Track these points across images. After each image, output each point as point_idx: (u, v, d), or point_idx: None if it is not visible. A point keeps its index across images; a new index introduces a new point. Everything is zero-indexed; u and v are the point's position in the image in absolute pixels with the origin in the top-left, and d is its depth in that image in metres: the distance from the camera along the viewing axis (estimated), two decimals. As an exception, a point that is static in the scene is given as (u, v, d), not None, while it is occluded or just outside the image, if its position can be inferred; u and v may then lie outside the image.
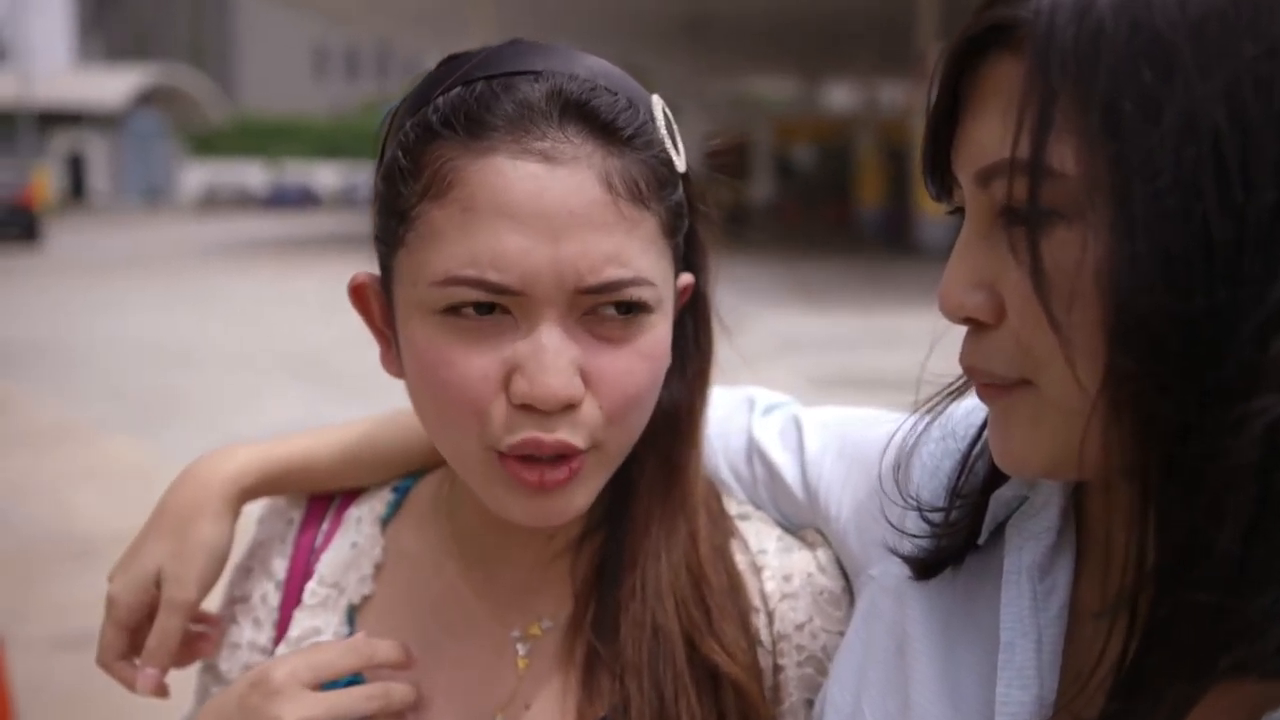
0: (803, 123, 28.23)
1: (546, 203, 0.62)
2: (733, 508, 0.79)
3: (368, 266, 0.72)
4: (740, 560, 0.76)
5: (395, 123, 0.69)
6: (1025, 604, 0.58)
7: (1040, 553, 0.59)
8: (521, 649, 0.74)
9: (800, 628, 0.74)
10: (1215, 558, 0.46)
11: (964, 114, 0.54)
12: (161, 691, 0.77)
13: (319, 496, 0.84)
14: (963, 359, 0.57)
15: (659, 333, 0.67)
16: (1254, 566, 0.46)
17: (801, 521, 0.79)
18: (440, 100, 0.65)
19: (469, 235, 0.62)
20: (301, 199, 39.92)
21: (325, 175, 43.47)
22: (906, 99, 19.05)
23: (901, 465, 0.69)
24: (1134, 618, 0.51)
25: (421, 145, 0.65)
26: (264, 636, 0.80)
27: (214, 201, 41.63)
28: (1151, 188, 0.46)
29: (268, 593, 0.81)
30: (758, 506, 0.81)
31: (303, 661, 0.70)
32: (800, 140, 27.58)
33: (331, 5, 22.62)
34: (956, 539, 0.63)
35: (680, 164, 0.69)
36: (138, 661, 0.77)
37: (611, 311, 0.64)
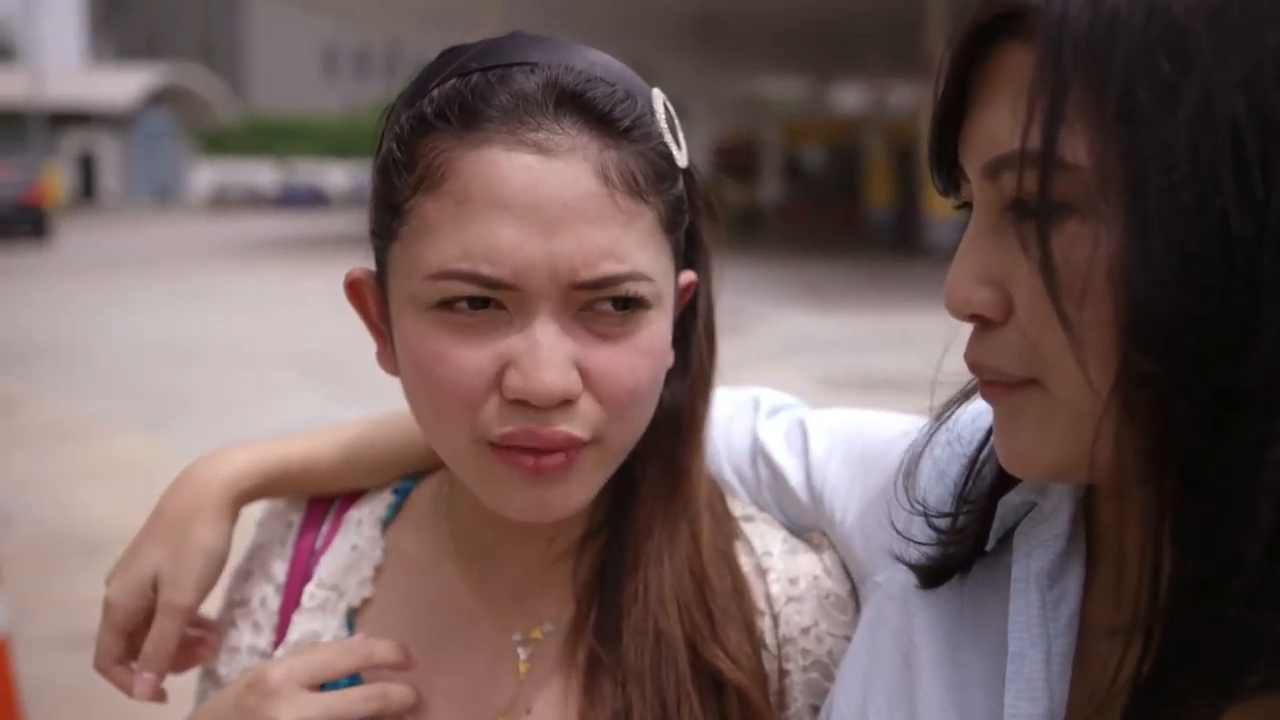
0: (812, 124, 28.19)
1: (541, 195, 0.61)
2: (737, 509, 0.78)
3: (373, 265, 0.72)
4: (745, 563, 0.75)
5: (392, 116, 0.68)
6: (1034, 613, 0.57)
7: (1049, 560, 0.58)
8: (523, 653, 0.73)
9: (806, 632, 0.73)
10: (1242, 571, 0.45)
11: (972, 104, 0.53)
12: (159, 696, 0.76)
13: (319, 499, 0.83)
14: (968, 355, 0.55)
15: (658, 329, 0.66)
16: None
17: (806, 525, 0.78)
18: (436, 92, 0.64)
19: (462, 228, 0.61)
20: (311, 199, 39.99)
21: (335, 175, 43.56)
22: (916, 100, 19.02)
23: (910, 471, 0.68)
24: (1151, 632, 0.49)
25: (416, 137, 0.64)
26: (263, 640, 0.79)
27: (224, 201, 41.75)
28: (1167, 181, 0.45)
29: (267, 596, 0.80)
30: (762, 509, 0.79)
31: (300, 662, 0.69)
32: (809, 141, 27.54)
33: (342, 5, 22.67)
34: (964, 546, 0.62)
35: (681, 158, 0.68)
36: (135, 666, 0.77)
37: (608, 307, 0.63)
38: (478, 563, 0.76)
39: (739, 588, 0.73)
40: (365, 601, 0.77)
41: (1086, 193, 0.47)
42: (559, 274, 0.61)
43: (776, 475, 0.78)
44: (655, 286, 0.65)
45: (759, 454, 0.80)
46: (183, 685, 0.81)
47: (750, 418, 0.82)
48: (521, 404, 0.63)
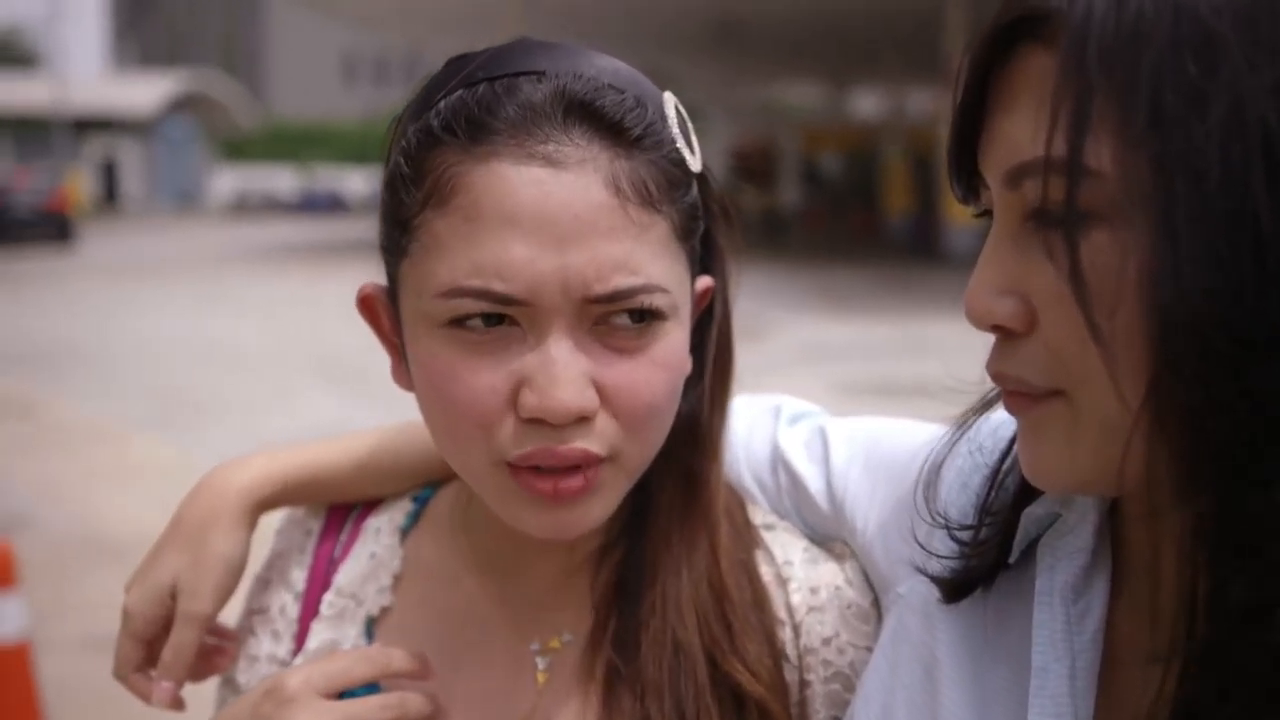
0: (830, 130, 28.12)
1: (551, 209, 0.60)
2: (758, 517, 0.77)
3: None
4: (765, 572, 0.74)
5: (399, 129, 0.67)
6: (1058, 627, 0.55)
7: (1074, 573, 0.56)
8: (541, 663, 0.73)
9: (827, 642, 0.72)
10: None
11: (992, 110, 0.52)
12: (177, 704, 0.76)
13: (338, 506, 0.82)
14: (991, 366, 0.54)
15: (674, 340, 0.65)
16: None
17: (827, 533, 0.77)
18: (442, 104, 0.64)
19: (472, 245, 0.60)
20: (330, 204, 40.19)
21: (354, 181, 43.77)
22: (935, 106, 18.94)
23: (930, 482, 0.67)
24: (1189, 659, 0.48)
25: (423, 151, 0.63)
26: (283, 649, 0.79)
27: (244, 207, 42.02)
28: (1197, 187, 0.44)
29: (286, 604, 0.80)
30: (783, 517, 0.79)
31: (317, 670, 0.69)
32: (827, 147, 27.47)
33: (361, 11, 22.80)
34: (986, 558, 0.61)
35: (694, 163, 0.67)
36: (154, 674, 0.76)
37: (624, 320, 0.62)
38: (496, 573, 0.75)
39: (759, 598, 0.72)
40: (384, 610, 0.77)
41: (1113, 201, 0.46)
42: (571, 288, 0.60)
43: (797, 483, 0.78)
44: (671, 297, 0.64)
45: (779, 462, 0.79)
46: (203, 692, 0.81)
47: (771, 425, 0.81)
48: (538, 422, 0.62)
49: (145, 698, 0.76)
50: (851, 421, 0.80)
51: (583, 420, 0.62)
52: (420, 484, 0.82)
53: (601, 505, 0.66)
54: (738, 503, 0.77)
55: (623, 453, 0.65)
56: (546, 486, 0.63)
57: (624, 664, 0.69)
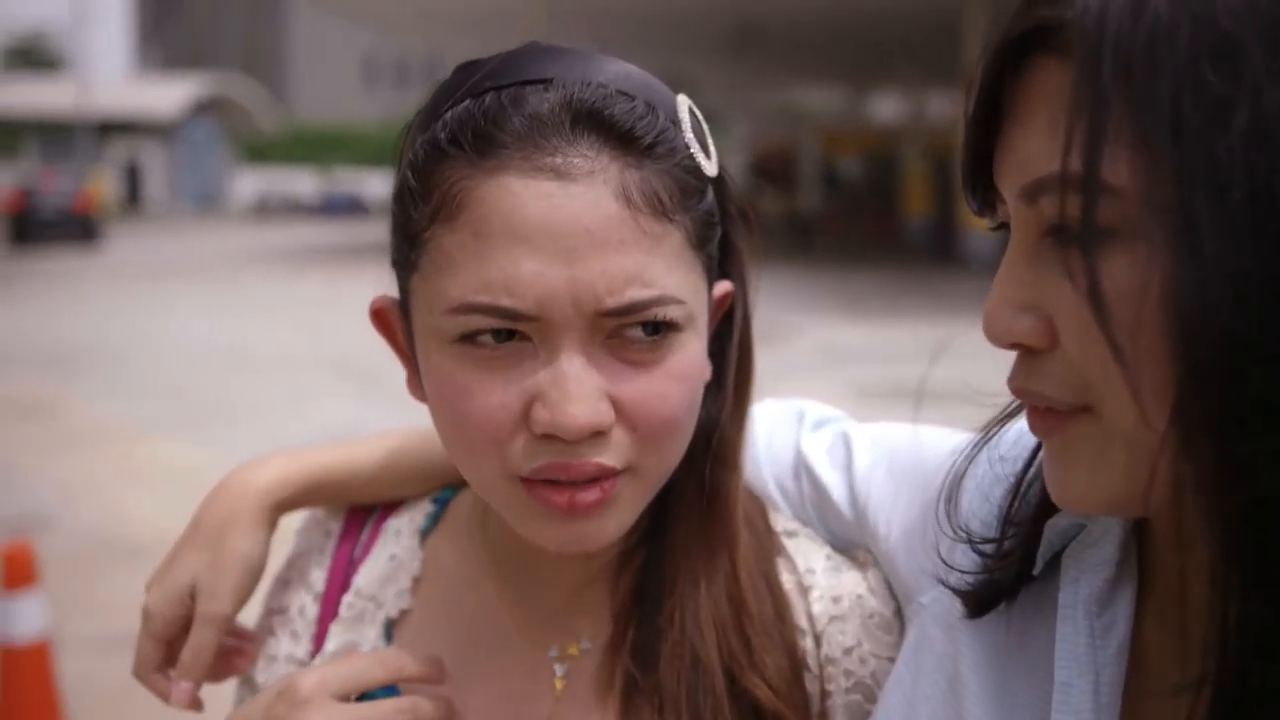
0: (849, 133, 28.05)
1: (560, 222, 0.59)
2: (779, 524, 0.76)
3: None
4: (787, 580, 0.73)
5: (408, 139, 0.66)
6: (1082, 640, 0.54)
7: (1098, 585, 0.55)
8: (559, 669, 0.72)
9: (849, 652, 0.71)
10: None
11: (1006, 123, 0.51)
12: (196, 705, 0.76)
13: (358, 508, 0.82)
14: (1014, 382, 0.53)
15: (691, 351, 0.64)
16: None
17: (850, 540, 0.76)
18: (449, 115, 0.63)
19: (481, 260, 0.60)
20: (351, 207, 40.39)
21: (374, 184, 43.97)
22: (954, 110, 18.85)
23: (950, 493, 0.65)
24: (1219, 685, 0.46)
25: (430, 164, 0.63)
26: (301, 649, 0.79)
27: (266, 209, 42.28)
28: (1220, 202, 0.42)
29: (305, 605, 0.80)
30: (805, 523, 0.78)
31: (332, 672, 0.68)
32: (846, 151, 27.40)
33: (382, 15, 22.91)
34: (1009, 570, 0.60)
35: (710, 168, 0.65)
36: (173, 674, 0.76)
37: (638, 333, 0.61)
38: (514, 578, 0.75)
39: (779, 607, 0.71)
40: (403, 613, 0.77)
41: (1132, 217, 0.45)
42: (582, 303, 0.59)
43: (819, 490, 0.77)
44: (686, 308, 0.63)
45: (802, 468, 0.78)
46: (223, 693, 0.81)
47: (794, 430, 0.81)
48: (550, 438, 0.61)
49: (164, 698, 0.76)
50: (875, 427, 0.79)
51: (597, 435, 0.61)
52: (440, 485, 0.82)
53: (618, 518, 0.65)
54: (759, 510, 0.76)
55: (641, 466, 0.64)
56: (561, 500, 0.62)
57: (642, 675, 0.68)
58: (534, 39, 0.68)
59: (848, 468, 0.76)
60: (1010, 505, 0.61)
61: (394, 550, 0.79)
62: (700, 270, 0.65)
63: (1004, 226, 0.54)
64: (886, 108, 30.10)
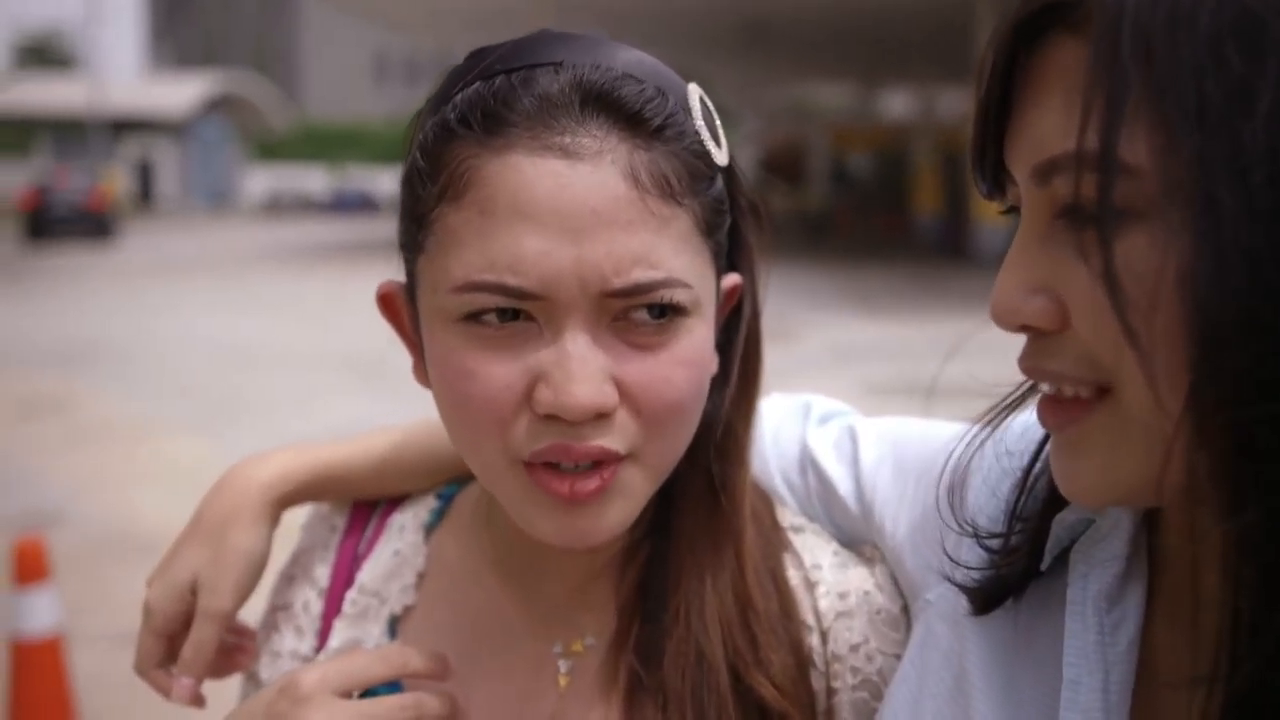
0: (859, 130, 27.98)
1: (567, 201, 0.58)
2: (786, 519, 0.76)
3: None
4: (793, 575, 0.72)
5: (418, 123, 0.66)
6: (1091, 637, 0.53)
7: (1107, 581, 0.54)
8: (563, 665, 0.72)
9: (855, 649, 0.70)
10: None
11: (1019, 102, 0.49)
12: (197, 701, 0.76)
13: (363, 503, 0.82)
14: (1025, 362, 0.52)
15: (697, 337, 0.64)
16: None
17: (856, 535, 0.76)
18: (459, 97, 0.63)
19: (486, 239, 0.59)
20: (361, 204, 40.48)
21: (385, 181, 44.07)
22: (965, 106, 18.78)
23: (955, 488, 0.64)
24: (1232, 680, 0.45)
25: (439, 145, 0.62)
26: (306, 645, 0.78)
27: (277, 206, 42.40)
28: (1241, 185, 0.41)
29: (310, 600, 0.80)
30: (811, 519, 0.77)
31: (334, 668, 0.67)
32: (857, 147, 27.34)
33: (392, 13, 22.95)
34: (1017, 566, 0.59)
35: (720, 157, 0.65)
36: (174, 670, 0.76)
37: (644, 315, 0.61)
38: (518, 574, 0.74)
39: (786, 604, 0.71)
40: (407, 609, 0.76)
41: (1150, 198, 0.44)
42: (588, 282, 0.59)
43: (826, 484, 0.76)
44: (693, 293, 0.62)
45: (808, 462, 0.78)
46: (228, 691, 0.81)
47: (800, 425, 0.80)
48: (553, 419, 0.60)
49: (165, 693, 0.76)
50: (882, 421, 0.78)
51: (601, 417, 0.61)
52: (445, 480, 0.81)
53: (620, 510, 0.64)
54: (765, 504, 0.76)
55: (644, 452, 0.63)
56: (563, 487, 0.62)
57: (646, 672, 0.68)
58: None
59: (854, 462, 0.75)
60: (1017, 500, 0.61)
61: (398, 546, 0.78)
62: (708, 256, 0.65)
63: (1014, 210, 0.53)
64: (897, 104, 30.01)
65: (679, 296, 0.61)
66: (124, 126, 38.51)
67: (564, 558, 0.73)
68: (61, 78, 46.21)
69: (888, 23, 18.81)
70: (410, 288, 0.67)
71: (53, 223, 23.48)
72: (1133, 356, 0.44)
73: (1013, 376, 0.59)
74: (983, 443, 0.64)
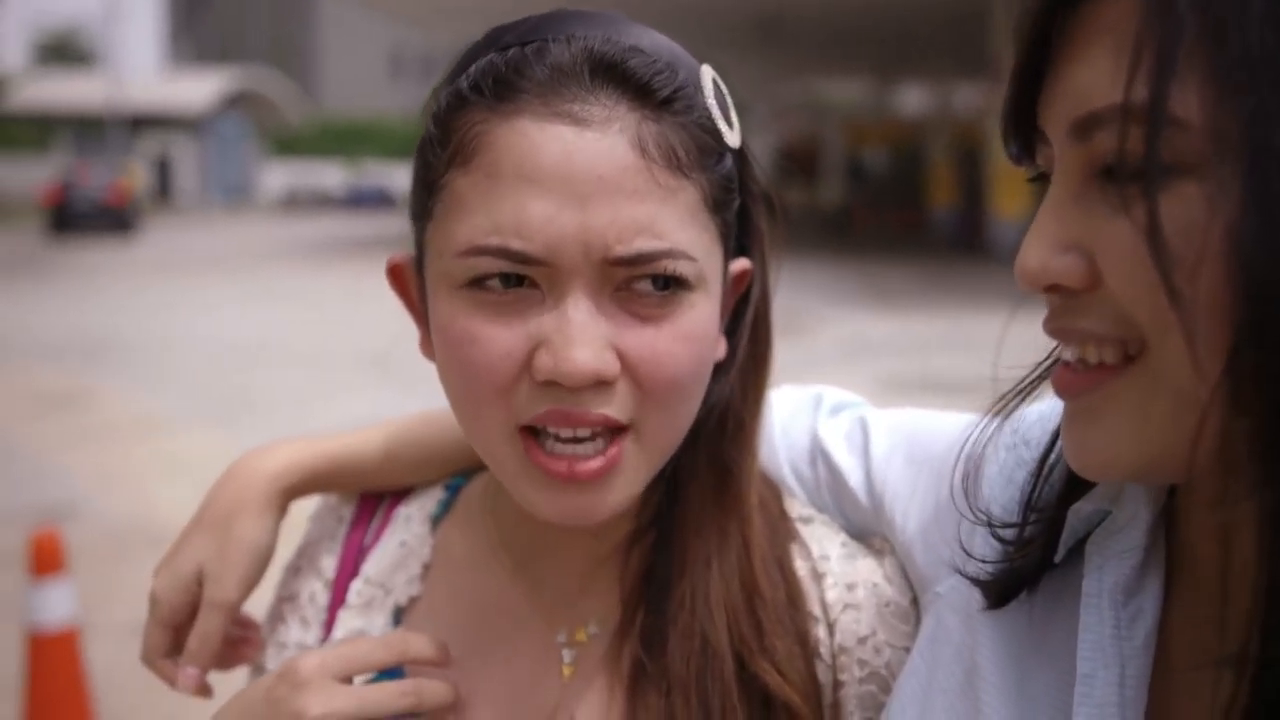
0: (875, 125, 27.87)
1: (574, 167, 0.59)
2: (795, 510, 0.75)
3: None
4: (800, 566, 0.71)
5: (434, 96, 0.66)
6: (1106, 631, 0.52)
7: (1124, 574, 0.53)
8: (567, 655, 0.71)
9: (863, 641, 0.69)
10: None
11: (1060, 55, 0.48)
12: (203, 691, 0.76)
13: (371, 494, 0.82)
14: (1051, 324, 0.50)
15: (701, 312, 0.63)
16: None
17: (866, 527, 0.75)
18: (473, 68, 0.63)
19: (492, 202, 0.59)
20: (378, 200, 40.60)
21: (402, 176, 44.07)
22: (981, 101, 18.68)
23: (970, 476, 0.63)
24: (1262, 662, 0.44)
25: (451, 112, 0.63)
26: (311, 636, 0.78)
27: (294, 202, 42.56)
28: None
29: (316, 591, 0.79)
30: (821, 510, 0.76)
31: (334, 654, 0.67)
32: (872, 143, 27.24)
33: (408, 8, 23.00)
34: (1031, 558, 0.58)
35: (732, 138, 0.65)
36: (180, 660, 0.76)
37: (647, 286, 0.61)
38: (523, 561, 0.74)
39: (792, 594, 0.70)
40: (413, 600, 0.76)
41: (1198, 152, 0.42)
42: (592, 248, 0.59)
43: (836, 475, 0.75)
44: (697, 266, 0.62)
45: (819, 453, 0.77)
46: (234, 682, 0.81)
47: (811, 416, 0.79)
48: (553, 385, 0.60)
49: (172, 683, 0.76)
50: (894, 413, 0.77)
51: (601, 386, 0.60)
52: (452, 472, 0.81)
53: (620, 489, 0.64)
54: (773, 494, 0.75)
55: (644, 426, 0.63)
56: (561, 467, 0.61)
57: (650, 660, 0.68)
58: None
59: (865, 453, 0.74)
60: (1033, 490, 0.60)
61: (404, 537, 0.78)
62: (715, 233, 0.65)
63: (1041, 178, 0.52)
64: (913, 99, 29.86)
65: (682, 269, 0.61)
66: (142, 123, 38.76)
67: (568, 543, 0.72)
68: (81, 75, 46.53)
69: (903, 18, 18.72)
70: (419, 259, 0.68)
71: (75, 218, 24.07)
72: (1173, 316, 0.43)
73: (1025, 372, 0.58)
74: (997, 429, 0.62)
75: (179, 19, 66.24)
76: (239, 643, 0.79)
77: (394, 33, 52.63)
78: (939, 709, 0.60)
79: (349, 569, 0.79)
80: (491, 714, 0.71)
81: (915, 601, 0.70)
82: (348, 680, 0.67)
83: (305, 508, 0.84)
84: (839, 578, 0.71)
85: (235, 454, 0.82)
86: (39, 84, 41.66)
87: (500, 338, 0.61)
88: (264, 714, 0.65)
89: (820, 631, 0.70)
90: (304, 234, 25.24)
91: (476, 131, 0.61)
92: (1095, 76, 0.46)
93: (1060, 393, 0.51)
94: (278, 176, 45.12)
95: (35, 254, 19.73)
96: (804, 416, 0.80)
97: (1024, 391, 0.60)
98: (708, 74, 0.66)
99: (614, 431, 0.63)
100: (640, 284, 0.61)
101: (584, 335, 0.59)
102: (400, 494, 0.81)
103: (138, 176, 32.29)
